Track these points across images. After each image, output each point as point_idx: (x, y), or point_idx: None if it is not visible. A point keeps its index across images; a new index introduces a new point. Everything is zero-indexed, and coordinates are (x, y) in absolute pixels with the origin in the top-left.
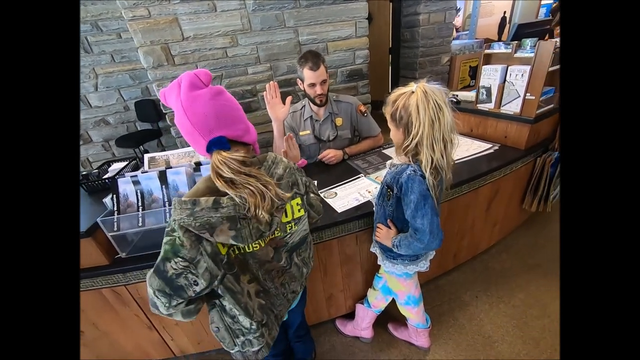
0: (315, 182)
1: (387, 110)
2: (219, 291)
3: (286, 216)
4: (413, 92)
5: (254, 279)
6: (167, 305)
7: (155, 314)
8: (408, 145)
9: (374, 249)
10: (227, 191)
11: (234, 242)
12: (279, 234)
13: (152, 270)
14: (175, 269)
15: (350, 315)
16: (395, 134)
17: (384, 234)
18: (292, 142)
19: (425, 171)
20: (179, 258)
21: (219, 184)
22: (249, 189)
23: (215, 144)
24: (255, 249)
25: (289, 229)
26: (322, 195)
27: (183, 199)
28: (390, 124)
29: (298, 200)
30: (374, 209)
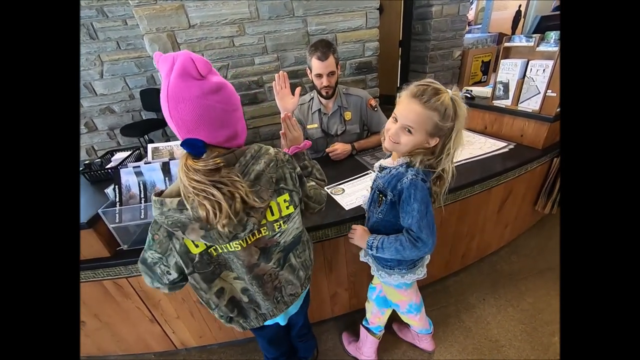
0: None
1: (438, 117)
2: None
3: (272, 214)
4: (452, 97)
5: (240, 278)
6: (151, 283)
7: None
8: (441, 153)
9: (365, 259)
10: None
11: (204, 242)
12: (267, 233)
13: (141, 254)
14: (152, 258)
15: (351, 329)
16: (423, 140)
17: (359, 234)
18: (290, 121)
19: (447, 182)
20: (152, 251)
21: (181, 187)
22: (200, 200)
23: (190, 147)
24: (236, 249)
25: (277, 228)
26: (328, 191)
27: (154, 196)
28: (425, 130)
29: (285, 196)
30: (366, 215)
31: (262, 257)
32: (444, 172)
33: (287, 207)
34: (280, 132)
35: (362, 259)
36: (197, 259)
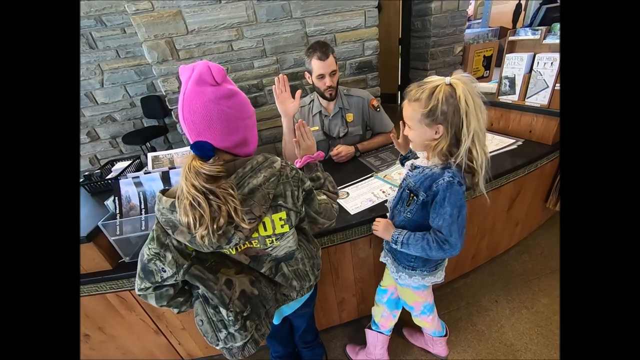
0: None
1: (420, 106)
2: (189, 281)
3: (265, 229)
4: (448, 84)
5: (243, 269)
6: (139, 286)
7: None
8: (459, 145)
9: (385, 259)
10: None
11: (190, 246)
12: (258, 245)
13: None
14: (148, 254)
15: (361, 335)
16: (425, 132)
17: (383, 226)
18: (305, 129)
19: (481, 170)
20: (151, 245)
21: (179, 188)
22: (186, 206)
23: (198, 149)
24: (225, 252)
25: (269, 243)
26: None
27: (158, 192)
28: (419, 122)
29: (282, 214)
30: (387, 214)
31: (252, 264)
32: (473, 162)
33: (282, 226)
34: (294, 139)
35: (381, 259)
36: (193, 254)
